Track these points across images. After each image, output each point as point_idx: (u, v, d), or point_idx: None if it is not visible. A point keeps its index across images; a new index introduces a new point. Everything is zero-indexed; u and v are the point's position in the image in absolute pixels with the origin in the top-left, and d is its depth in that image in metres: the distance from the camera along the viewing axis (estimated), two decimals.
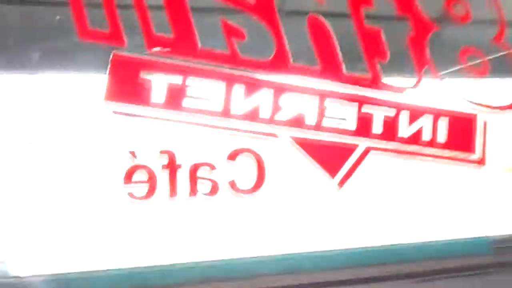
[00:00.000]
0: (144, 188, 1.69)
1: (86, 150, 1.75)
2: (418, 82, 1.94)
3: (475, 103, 2.00)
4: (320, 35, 1.85)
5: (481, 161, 2.00)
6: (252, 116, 1.79)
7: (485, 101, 2.01)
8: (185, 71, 1.74)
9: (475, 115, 2.00)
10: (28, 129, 1.73)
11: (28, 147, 1.69)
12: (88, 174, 1.74)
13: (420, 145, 1.93)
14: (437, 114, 1.95)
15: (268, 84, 1.81)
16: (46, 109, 1.77)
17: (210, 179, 1.75)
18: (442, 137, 1.95)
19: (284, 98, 1.82)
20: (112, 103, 1.68)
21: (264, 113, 1.80)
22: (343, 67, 1.86)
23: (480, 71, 1.99)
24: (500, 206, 2.33)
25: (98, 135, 1.76)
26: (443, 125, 1.95)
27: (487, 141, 2.00)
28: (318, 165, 1.86)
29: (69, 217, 1.74)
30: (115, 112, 1.68)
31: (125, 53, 1.69)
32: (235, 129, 1.78)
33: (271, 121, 1.81)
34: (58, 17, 1.73)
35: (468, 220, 2.26)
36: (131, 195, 1.69)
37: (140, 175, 1.69)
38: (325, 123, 1.85)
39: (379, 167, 1.93)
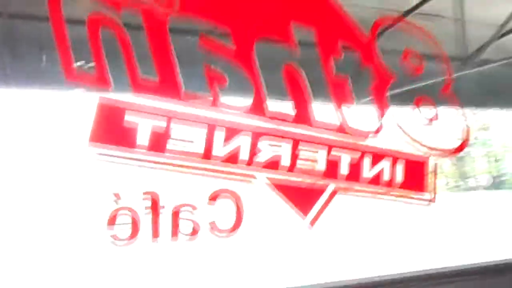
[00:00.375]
0: (128, 230, 1.71)
1: (70, 191, 1.73)
2: (379, 128, 2.11)
3: (427, 147, 2.20)
4: (294, 85, 1.97)
5: (432, 200, 2.20)
6: (232, 159, 1.87)
7: (436, 144, 2.22)
8: (169, 115, 1.79)
9: (427, 158, 2.20)
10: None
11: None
12: (72, 216, 1.72)
13: (381, 186, 2.10)
14: (395, 158, 2.14)
15: (247, 128, 1.90)
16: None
17: (191, 220, 1.80)
18: (399, 178, 2.13)
19: (262, 142, 1.92)
20: (97, 145, 1.69)
21: (243, 156, 1.89)
22: (314, 114, 2.00)
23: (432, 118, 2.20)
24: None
25: (82, 177, 1.75)
26: (400, 167, 2.13)
27: (437, 181, 2.21)
28: (292, 205, 1.97)
29: (52, 258, 1.70)
30: (99, 155, 1.69)
31: (110, 97, 1.71)
32: (216, 171, 1.85)
33: (249, 163, 1.89)
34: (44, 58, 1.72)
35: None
36: (114, 237, 1.69)
37: (124, 217, 1.71)
38: (298, 165, 1.97)
39: (346, 206, 2.07)
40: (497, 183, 12.83)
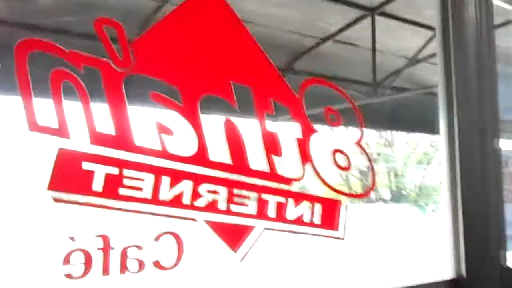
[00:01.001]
0: (81, 268, 1.89)
1: (28, 234, 1.88)
2: (303, 175, 2.44)
3: (340, 192, 2.57)
4: (232, 135, 2.25)
5: (342, 237, 2.57)
6: (176, 202, 2.11)
7: (346, 189, 2.60)
8: (121, 164, 2.00)
9: (340, 201, 2.56)
10: None
11: None
12: (29, 257, 1.87)
13: (302, 224, 2.43)
14: (313, 200, 2.48)
15: (190, 176, 2.15)
16: None
17: (137, 259, 2.02)
18: (316, 218, 2.48)
19: (202, 187, 2.17)
20: (55, 192, 1.86)
21: (186, 200, 2.13)
22: (249, 162, 2.29)
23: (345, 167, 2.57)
24: None
25: (40, 221, 1.91)
26: (317, 209, 2.48)
27: (346, 220, 2.58)
28: (225, 242, 2.24)
29: None
30: (56, 200, 1.87)
31: (69, 147, 1.89)
32: (161, 214, 2.08)
33: (190, 206, 2.14)
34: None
35: None
36: (69, 275, 1.87)
37: (77, 257, 1.89)
38: (233, 208, 2.25)
39: (273, 243, 2.38)
40: (396, 197, 13.91)
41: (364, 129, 2.72)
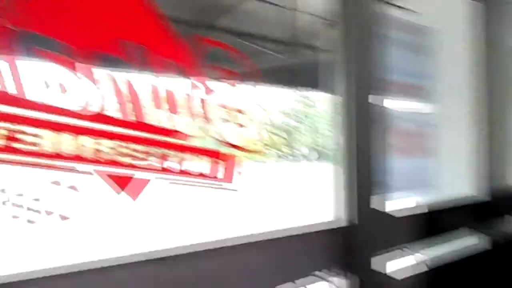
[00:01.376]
0: None
1: None
2: (197, 131, 2.63)
3: (230, 145, 2.78)
4: (126, 91, 2.39)
5: (237, 189, 2.79)
6: (68, 155, 2.24)
7: (238, 143, 2.82)
8: (15, 119, 2.09)
9: (236, 155, 2.78)
10: None
11: None
12: None
13: (193, 176, 2.63)
14: (204, 153, 2.68)
15: (82, 130, 2.28)
16: None
17: (34, 209, 2.15)
18: (208, 170, 2.68)
19: (95, 141, 2.31)
20: None
21: (77, 152, 2.26)
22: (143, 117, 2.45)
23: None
24: None
25: None
26: (209, 161, 2.69)
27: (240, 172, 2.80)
28: (120, 194, 2.40)
29: None
30: None
31: None
32: (54, 167, 2.20)
33: (82, 159, 2.28)
34: None
35: None
36: None
37: None
38: (127, 160, 2.40)
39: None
40: (318, 156, 14.49)
41: (277, 88, 2.93)
